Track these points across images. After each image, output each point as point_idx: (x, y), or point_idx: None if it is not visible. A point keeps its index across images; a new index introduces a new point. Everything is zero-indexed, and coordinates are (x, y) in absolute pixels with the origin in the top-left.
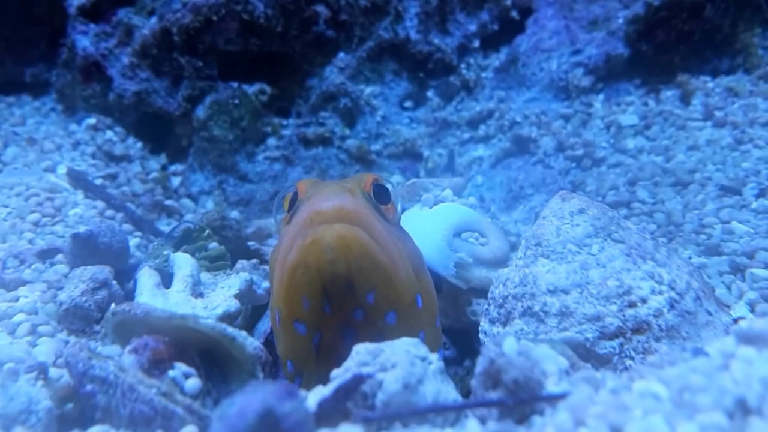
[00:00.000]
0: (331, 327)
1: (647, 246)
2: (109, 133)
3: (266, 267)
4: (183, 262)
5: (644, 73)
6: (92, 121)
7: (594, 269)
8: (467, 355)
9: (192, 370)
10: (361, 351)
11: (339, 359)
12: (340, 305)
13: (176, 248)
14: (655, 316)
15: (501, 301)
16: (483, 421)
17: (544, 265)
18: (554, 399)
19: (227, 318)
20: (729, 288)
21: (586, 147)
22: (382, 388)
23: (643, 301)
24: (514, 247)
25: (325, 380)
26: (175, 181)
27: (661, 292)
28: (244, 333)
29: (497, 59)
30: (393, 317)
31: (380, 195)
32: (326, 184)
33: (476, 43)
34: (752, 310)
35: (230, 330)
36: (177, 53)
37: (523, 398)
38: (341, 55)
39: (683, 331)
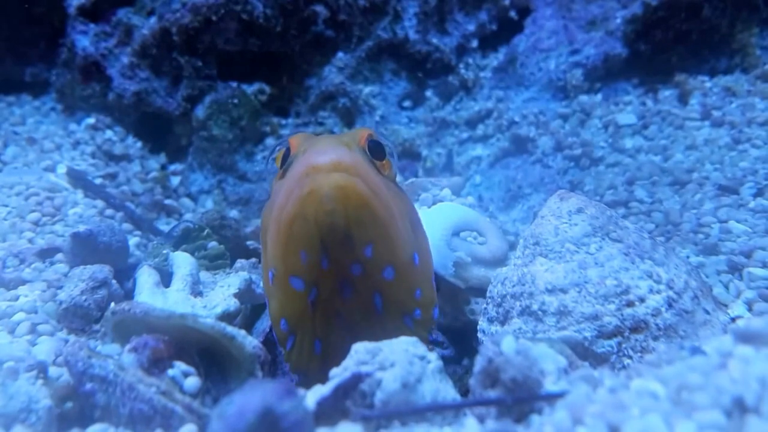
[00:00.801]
0: (328, 282)
1: (645, 245)
2: (109, 133)
3: None
4: (182, 262)
5: (642, 72)
6: (92, 120)
7: (592, 268)
8: (466, 354)
9: (191, 369)
10: (359, 350)
11: (337, 316)
12: (338, 259)
13: (176, 247)
14: (653, 315)
15: (499, 300)
16: (481, 419)
17: (543, 264)
18: (552, 398)
19: (226, 317)
20: (727, 287)
21: (585, 146)
22: (380, 386)
23: (641, 300)
24: (512, 247)
25: (321, 338)
26: (175, 180)
27: (659, 291)
28: (243, 332)
29: (496, 59)
30: (390, 272)
31: (375, 150)
32: (321, 138)
33: (475, 43)
34: (750, 309)
35: (229, 329)
36: (176, 53)
37: (522, 397)
38: (340, 54)
39: (681, 330)
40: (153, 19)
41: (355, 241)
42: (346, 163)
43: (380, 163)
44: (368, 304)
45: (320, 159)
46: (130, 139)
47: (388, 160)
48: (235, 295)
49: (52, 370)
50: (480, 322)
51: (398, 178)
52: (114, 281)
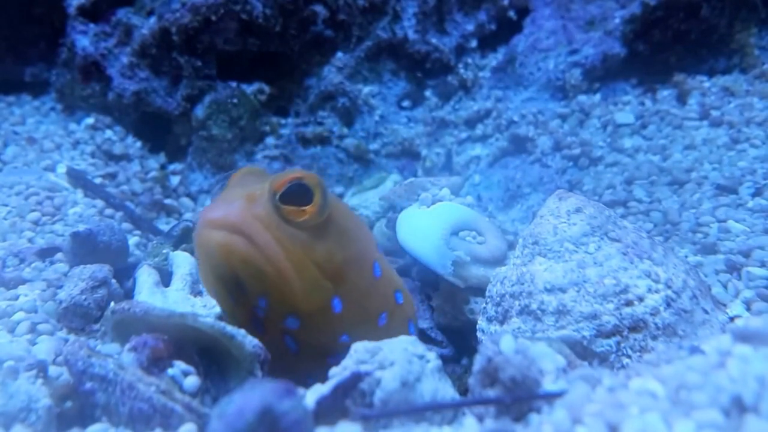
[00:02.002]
0: (242, 317)
1: (644, 245)
2: (109, 133)
3: None
4: (182, 261)
5: (641, 72)
6: (91, 120)
7: (591, 268)
8: (465, 353)
9: (191, 368)
10: (359, 349)
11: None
12: (241, 302)
13: (175, 247)
14: (651, 314)
15: (498, 299)
16: (480, 418)
17: (542, 264)
18: (551, 397)
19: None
20: (725, 286)
21: (583, 146)
22: (380, 386)
23: (640, 299)
24: (511, 246)
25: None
26: (174, 180)
27: (657, 291)
28: (243, 331)
29: (495, 59)
30: (294, 322)
31: (298, 195)
32: (233, 186)
33: (474, 43)
34: (748, 309)
35: (229, 328)
36: (176, 53)
37: (521, 396)
38: (339, 54)
39: (680, 330)
40: (153, 19)
41: (248, 292)
42: (231, 221)
43: (297, 209)
44: (281, 344)
45: (210, 214)
46: (130, 139)
47: (316, 203)
48: None
49: (52, 370)
50: (479, 322)
51: (398, 178)
52: (114, 281)
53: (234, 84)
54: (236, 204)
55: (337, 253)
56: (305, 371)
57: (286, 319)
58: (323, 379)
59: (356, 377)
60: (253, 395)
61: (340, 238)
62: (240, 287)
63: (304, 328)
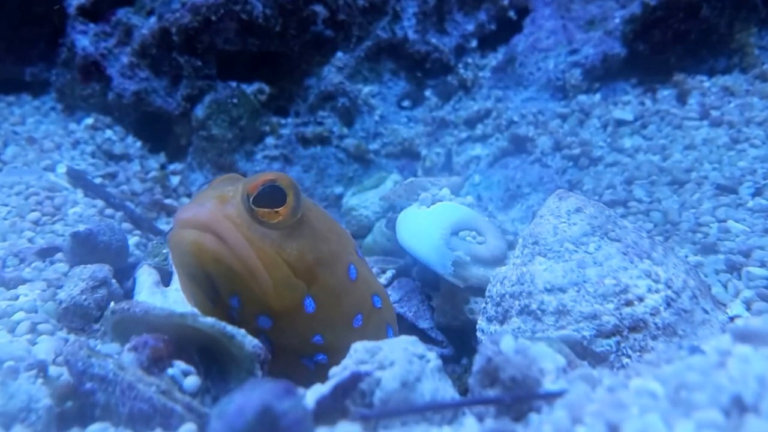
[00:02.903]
0: (219, 315)
1: (644, 245)
2: (109, 133)
3: None
4: None
5: (641, 72)
6: (91, 120)
7: (591, 268)
8: (465, 353)
9: (191, 368)
10: (359, 349)
11: None
12: (217, 302)
13: None
14: (651, 314)
15: (498, 299)
16: (480, 418)
17: (542, 264)
18: (551, 397)
19: None
20: (725, 286)
21: (583, 146)
22: (380, 386)
23: (640, 299)
24: (511, 246)
25: None
26: (174, 180)
27: (657, 291)
28: (242, 331)
29: (495, 59)
30: (266, 321)
31: (272, 196)
32: (205, 191)
33: (474, 43)
34: (748, 309)
35: (229, 328)
36: (176, 53)
37: (521, 396)
38: (339, 54)
39: (680, 330)
40: (153, 19)
41: (220, 291)
42: (202, 220)
43: (271, 210)
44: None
45: (182, 214)
46: (130, 139)
47: (289, 205)
48: None
49: (52, 370)
50: (479, 322)
51: (398, 178)
52: (114, 280)
53: (234, 84)
54: (207, 204)
55: (308, 252)
56: (279, 373)
57: (258, 318)
58: (297, 382)
59: (356, 377)
60: (253, 395)
61: (313, 238)
62: (213, 287)
63: (277, 327)
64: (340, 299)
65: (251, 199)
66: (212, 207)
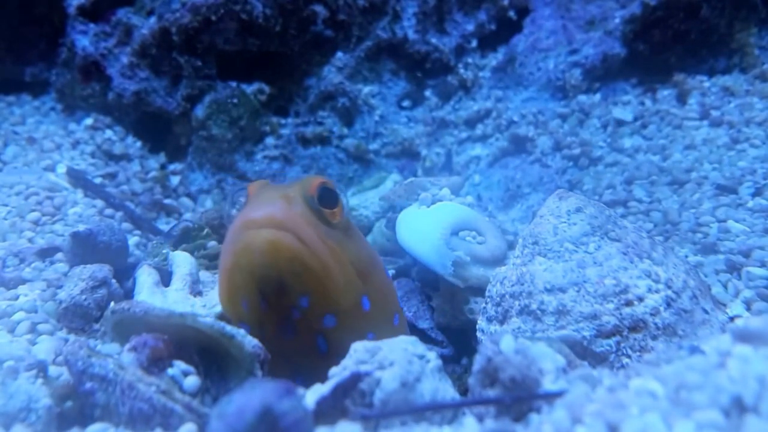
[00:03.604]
0: (270, 324)
1: (644, 245)
2: (109, 133)
3: None
4: (182, 261)
5: (641, 72)
6: (91, 120)
7: (591, 268)
8: (465, 353)
9: (191, 368)
10: (359, 349)
11: (281, 355)
12: (275, 305)
13: (175, 247)
14: (651, 314)
15: (498, 299)
16: (480, 418)
17: (542, 264)
18: (551, 397)
19: (226, 316)
20: (725, 286)
21: (583, 146)
22: (380, 386)
23: (640, 299)
24: (511, 246)
25: (270, 374)
26: (174, 180)
27: (657, 291)
28: (242, 331)
29: (495, 59)
30: (332, 320)
31: (326, 198)
32: (265, 191)
33: (474, 43)
34: (748, 309)
35: (229, 328)
36: (176, 53)
37: (521, 396)
38: (339, 54)
39: (680, 330)
40: (153, 19)
41: (290, 292)
42: (278, 219)
43: (330, 211)
44: (311, 346)
45: (254, 214)
46: (130, 139)
47: (340, 207)
48: None
49: (52, 369)
50: (479, 322)
51: (398, 178)
52: (114, 280)
53: (234, 84)
54: (278, 203)
55: (362, 251)
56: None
57: (324, 318)
58: None
59: (356, 377)
60: (253, 395)
61: (360, 239)
62: (280, 289)
63: (340, 326)
64: (386, 297)
65: (315, 200)
66: (283, 206)
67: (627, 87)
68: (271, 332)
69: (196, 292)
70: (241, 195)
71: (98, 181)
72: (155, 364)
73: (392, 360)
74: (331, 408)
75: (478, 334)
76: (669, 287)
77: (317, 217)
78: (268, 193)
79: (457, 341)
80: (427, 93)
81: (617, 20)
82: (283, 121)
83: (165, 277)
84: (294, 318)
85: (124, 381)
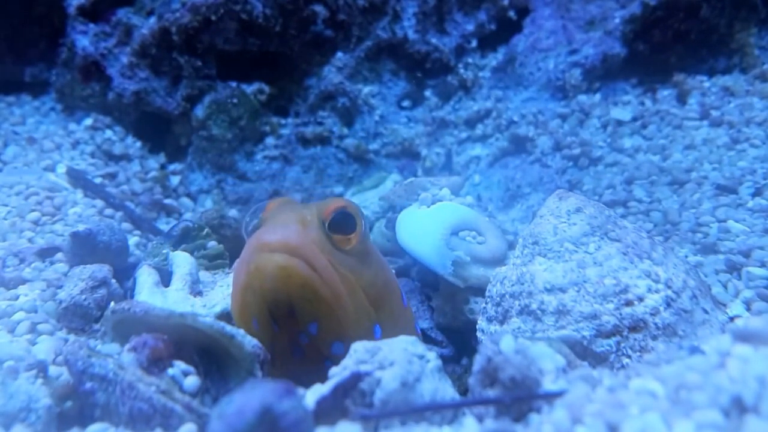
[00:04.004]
0: (281, 343)
1: (644, 245)
2: (109, 133)
3: None
4: (182, 261)
5: (641, 72)
6: (91, 120)
7: (591, 268)
8: (465, 353)
9: (191, 368)
10: (359, 349)
11: (290, 373)
12: (285, 328)
13: (175, 247)
14: (651, 314)
15: (498, 299)
16: (480, 419)
17: (542, 264)
18: (551, 397)
19: (226, 316)
20: (725, 286)
21: (583, 146)
22: (380, 386)
23: (640, 299)
24: (511, 246)
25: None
26: (174, 180)
27: (657, 291)
28: (242, 331)
29: (495, 59)
30: (340, 347)
31: (343, 223)
32: (282, 211)
33: (474, 43)
34: (748, 309)
35: (229, 328)
36: (176, 53)
37: (521, 396)
38: (339, 54)
39: (680, 330)
40: (152, 19)
41: (300, 317)
42: (292, 244)
43: (344, 237)
44: (319, 369)
45: (268, 237)
46: (130, 139)
47: (358, 232)
48: None
49: (52, 369)
50: (479, 322)
51: (398, 178)
52: (114, 281)
53: (234, 84)
54: (293, 227)
55: (377, 278)
56: None
57: (333, 345)
58: None
59: (356, 377)
60: (253, 395)
61: (376, 265)
62: (290, 313)
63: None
64: (398, 325)
65: (326, 226)
66: (298, 231)
67: (627, 87)
68: (281, 351)
69: (196, 292)
70: (261, 211)
71: (98, 181)
72: (155, 364)
73: (392, 360)
74: (331, 408)
75: (478, 334)
76: (669, 287)
77: (332, 243)
78: (286, 214)
79: (457, 341)
80: (427, 93)
81: (617, 20)
82: (283, 121)
83: (165, 277)
84: (302, 342)
85: (124, 381)
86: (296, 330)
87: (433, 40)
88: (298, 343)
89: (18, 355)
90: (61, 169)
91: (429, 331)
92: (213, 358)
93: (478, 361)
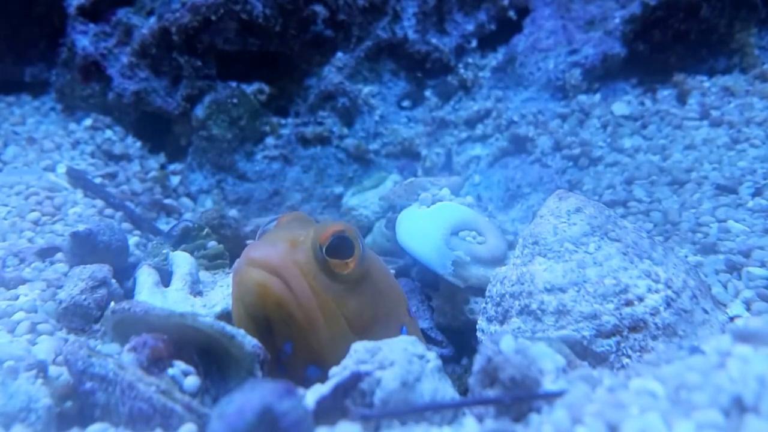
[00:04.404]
0: (270, 353)
1: (644, 245)
2: (109, 133)
3: None
4: (182, 261)
5: (641, 72)
6: (91, 120)
7: (591, 268)
8: (465, 353)
9: (191, 368)
10: (359, 349)
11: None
12: (267, 342)
13: (175, 247)
14: (651, 314)
15: (498, 299)
16: (480, 419)
17: (542, 264)
18: (551, 397)
19: (226, 316)
20: (725, 286)
21: (583, 146)
22: (380, 386)
23: (640, 299)
24: (511, 246)
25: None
26: (174, 180)
27: (657, 291)
28: (242, 331)
29: (495, 59)
30: (315, 371)
31: (340, 248)
32: (280, 229)
33: (474, 43)
34: (748, 309)
35: (229, 328)
36: (176, 53)
37: (521, 396)
38: (339, 54)
39: (680, 330)
40: (152, 19)
41: (275, 335)
42: (272, 263)
43: (342, 261)
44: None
45: (254, 252)
46: (130, 139)
47: (355, 257)
48: None
49: (52, 369)
50: (479, 322)
51: (398, 178)
52: (114, 280)
53: (234, 84)
54: (279, 246)
55: (367, 310)
56: None
57: (308, 369)
58: None
59: (356, 377)
60: (253, 395)
61: (372, 295)
62: (269, 329)
63: (324, 380)
64: None
65: (324, 250)
66: (283, 250)
67: (627, 87)
68: (269, 363)
69: (196, 292)
70: (272, 224)
71: (98, 181)
72: (155, 364)
73: (392, 360)
74: (331, 408)
75: (478, 334)
76: (669, 287)
77: (321, 267)
78: (280, 233)
79: (457, 341)
80: (427, 93)
81: (617, 20)
82: (283, 121)
83: (165, 277)
84: (283, 360)
85: (124, 381)
86: (275, 346)
87: (433, 40)
88: (280, 359)
89: (18, 355)
90: (61, 169)
91: (429, 331)
92: (213, 358)
93: (478, 361)
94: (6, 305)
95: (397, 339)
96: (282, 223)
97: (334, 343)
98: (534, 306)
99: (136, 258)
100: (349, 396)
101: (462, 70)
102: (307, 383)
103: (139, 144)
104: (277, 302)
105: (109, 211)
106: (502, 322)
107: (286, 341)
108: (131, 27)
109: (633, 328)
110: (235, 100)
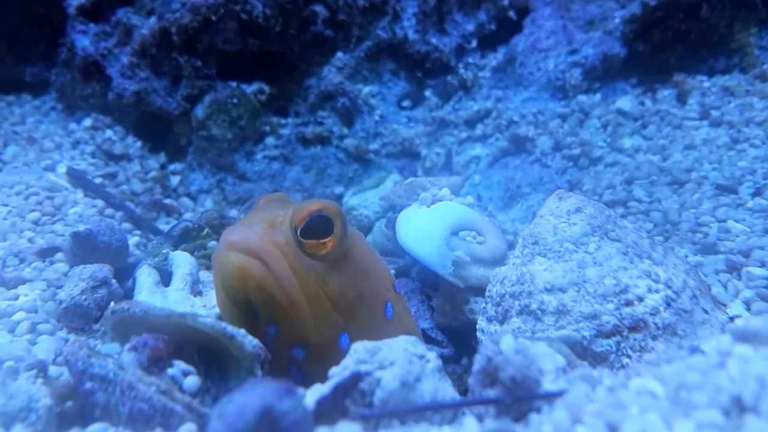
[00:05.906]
0: (254, 335)
1: (644, 245)
2: (109, 132)
3: None
4: (182, 261)
5: (641, 72)
6: (91, 120)
7: (591, 268)
8: (465, 353)
9: (191, 368)
10: (359, 349)
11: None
12: (251, 325)
13: (175, 247)
14: (651, 314)
15: (498, 299)
16: (480, 418)
17: (542, 264)
18: (551, 397)
19: None
20: (725, 286)
21: (583, 146)
22: (380, 385)
23: (640, 299)
24: (511, 246)
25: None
26: (174, 180)
27: (657, 291)
28: (242, 331)
29: (495, 59)
30: (300, 352)
31: (318, 227)
32: (258, 211)
33: (474, 43)
34: (748, 309)
35: (229, 328)
36: (176, 53)
37: (521, 396)
38: (339, 54)
39: (680, 330)
40: (152, 19)
41: (260, 317)
42: (250, 246)
43: (316, 242)
44: (286, 374)
45: (231, 236)
46: (130, 139)
47: (335, 236)
48: None
49: (52, 369)
50: (479, 322)
51: (398, 178)
52: (114, 280)
53: (234, 84)
54: (257, 228)
55: (350, 288)
56: None
57: (293, 349)
58: None
59: (356, 377)
60: (253, 395)
61: (356, 274)
62: (252, 312)
63: (310, 360)
64: (374, 338)
65: (298, 231)
66: (261, 232)
67: (627, 87)
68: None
69: (196, 292)
70: (250, 207)
71: (98, 181)
72: (155, 364)
73: (392, 360)
74: (331, 408)
75: (478, 334)
76: (669, 287)
77: (300, 247)
78: (258, 214)
79: (457, 341)
80: (427, 93)
81: (617, 20)
82: (283, 121)
83: (165, 277)
84: (267, 343)
85: (124, 381)
86: (260, 329)
87: (433, 40)
88: (265, 341)
89: (18, 355)
90: (61, 169)
91: (429, 331)
92: (213, 358)
93: (478, 361)
94: (6, 305)
95: (397, 339)
96: (260, 204)
97: (317, 323)
98: (534, 306)
99: (136, 258)
100: (349, 396)
101: (462, 70)
102: (293, 364)
103: (139, 144)
104: (258, 285)
105: (109, 211)
106: (502, 322)
107: (269, 323)
108: (131, 27)
109: (633, 328)
110: (235, 100)
